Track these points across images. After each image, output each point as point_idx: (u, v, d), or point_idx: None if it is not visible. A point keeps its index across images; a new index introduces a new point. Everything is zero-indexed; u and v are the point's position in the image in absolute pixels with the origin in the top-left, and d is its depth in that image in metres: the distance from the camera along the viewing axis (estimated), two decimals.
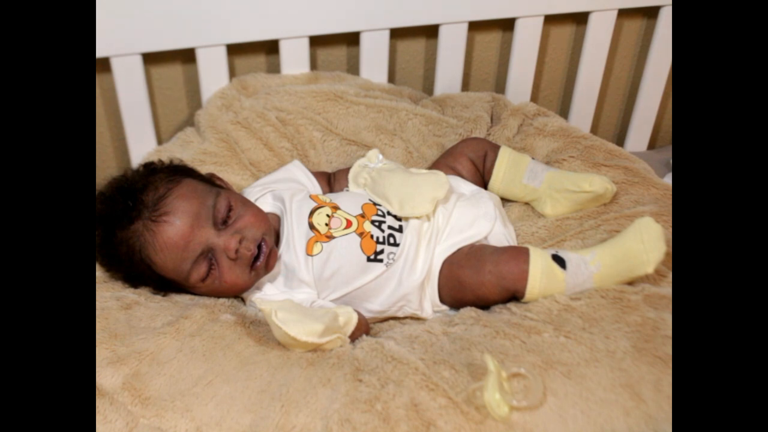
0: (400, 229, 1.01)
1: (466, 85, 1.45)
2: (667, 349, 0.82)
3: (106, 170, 1.28)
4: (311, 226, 0.99)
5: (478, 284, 0.95)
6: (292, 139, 1.21)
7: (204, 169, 1.10)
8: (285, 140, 1.21)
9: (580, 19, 1.44)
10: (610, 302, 0.89)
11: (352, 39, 1.32)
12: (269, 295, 0.98)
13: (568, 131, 1.23)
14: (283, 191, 1.06)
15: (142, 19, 1.13)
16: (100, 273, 0.99)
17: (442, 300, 1.01)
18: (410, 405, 0.77)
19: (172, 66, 1.27)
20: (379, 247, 0.99)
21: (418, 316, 1.01)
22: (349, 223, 1.00)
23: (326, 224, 1.00)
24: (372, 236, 0.99)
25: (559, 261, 0.93)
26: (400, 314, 1.02)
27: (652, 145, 1.63)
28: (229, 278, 0.95)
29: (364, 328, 0.95)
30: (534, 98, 1.51)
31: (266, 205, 1.05)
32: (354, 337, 0.91)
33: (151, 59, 1.22)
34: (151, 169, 1.02)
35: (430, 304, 1.01)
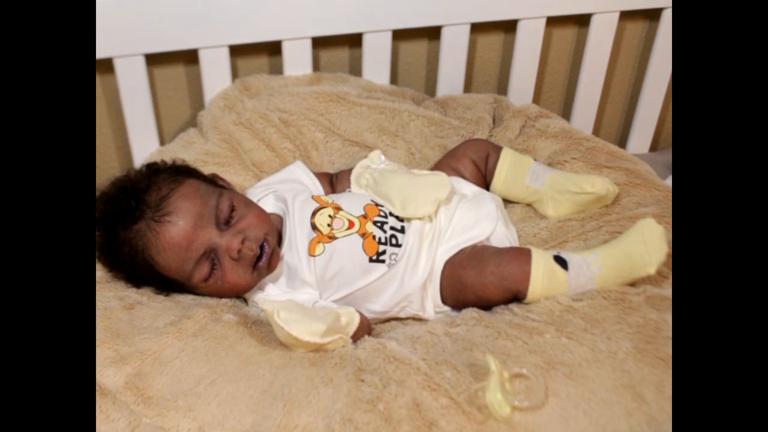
0: (402, 230, 1.01)
1: (468, 87, 1.45)
2: (669, 350, 0.82)
3: (108, 171, 1.28)
4: (313, 227, 1.00)
5: (479, 285, 0.95)
6: (294, 140, 1.22)
7: (206, 170, 1.10)
8: (287, 141, 1.21)
9: (582, 20, 1.44)
10: (612, 303, 0.89)
11: (354, 40, 1.33)
12: (271, 296, 0.98)
13: (570, 133, 1.23)
14: (285, 192, 1.06)
15: (145, 20, 1.13)
16: (102, 273, 1.00)
17: (444, 301, 1.01)
18: (412, 405, 0.77)
19: (175, 67, 1.27)
20: (381, 248, 0.99)
21: (420, 317, 1.01)
22: (351, 224, 1.00)
23: (328, 225, 1.00)
24: (374, 237, 0.99)
25: (561, 262, 0.93)
26: (401, 315, 1.02)
27: (654, 147, 1.63)
28: (231, 278, 0.95)
29: (366, 328, 0.95)
30: (536, 100, 1.51)
31: (268, 205, 1.05)
32: (356, 337, 0.91)
33: (153, 60, 1.22)
34: (153, 169, 1.02)
35: (431, 304, 1.01)
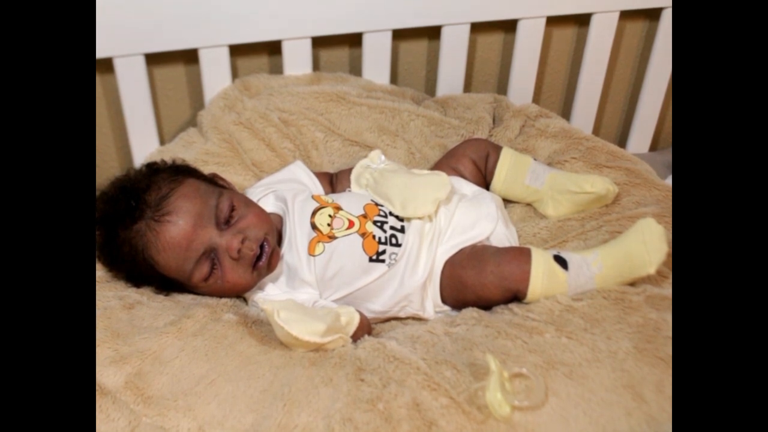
0: (402, 230, 1.01)
1: (468, 87, 1.45)
2: (669, 350, 0.82)
3: (108, 170, 1.28)
4: (313, 227, 1.00)
5: (479, 285, 0.95)
6: (294, 140, 1.22)
7: (206, 170, 1.10)
8: (287, 141, 1.21)
9: (582, 20, 1.44)
10: (612, 303, 0.89)
11: (354, 40, 1.33)
12: (271, 295, 0.98)
13: (570, 132, 1.23)
14: (285, 191, 1.06)
15: (144, 20, 1.13)
16: (102, 273, 0.99)
17: (444, 300, 1.01)
18: (412, 405, 0.77)
19: (175, 66, 1.27)
20: (381, 248, 0.99)
21: (420, 317, 1.01)
22: (351, 224, 1.00)
23: (328, 224, 1.00)
24: (374, 237, 0.99)
25: (561, 262, 0.93)
26: (401, 315, 1.02)
27: (654, 147, 1.63)
28: (231, 278, 0.95)
29: (366, 328, 0.95)
30: (536, 99, 1.51)
31: (268, 205, 1.05)
32: (356, 337, 0.91)
33: (153, 60, 1.22)
34: (153, 169, 1.02)
35: (431, 304, 1.01)
